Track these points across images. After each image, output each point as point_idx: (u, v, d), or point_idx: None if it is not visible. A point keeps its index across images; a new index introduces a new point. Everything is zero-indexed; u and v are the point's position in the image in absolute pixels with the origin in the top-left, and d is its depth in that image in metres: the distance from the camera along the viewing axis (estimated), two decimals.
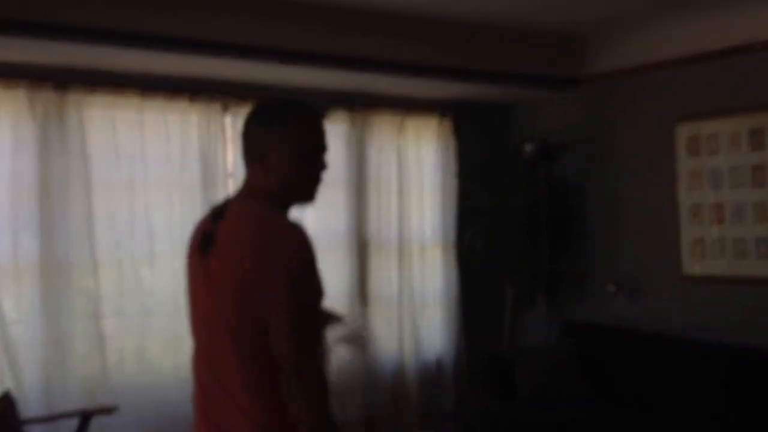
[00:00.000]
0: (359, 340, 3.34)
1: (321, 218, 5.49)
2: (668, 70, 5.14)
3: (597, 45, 5.57)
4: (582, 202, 5.70)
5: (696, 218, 4.99)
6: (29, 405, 4.46)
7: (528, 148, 5.63)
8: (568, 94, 5.78)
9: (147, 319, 4.99)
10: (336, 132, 5.53)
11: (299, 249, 2.10)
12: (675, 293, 5.13)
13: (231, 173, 5.31)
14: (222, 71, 5.07)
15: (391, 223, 5.78)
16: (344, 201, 5.62)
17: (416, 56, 5.16)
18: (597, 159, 5.65)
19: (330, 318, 2.52)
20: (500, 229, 5.77)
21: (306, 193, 2.29)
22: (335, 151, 5.44)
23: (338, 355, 3.03)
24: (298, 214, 2.35)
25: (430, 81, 5.35)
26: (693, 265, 5.01)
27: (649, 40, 5.21)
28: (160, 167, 5.11)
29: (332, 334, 2.58)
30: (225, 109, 5.30)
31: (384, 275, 5.73)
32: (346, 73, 5.05)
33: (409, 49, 5.13)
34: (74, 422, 4.32)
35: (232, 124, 5.33)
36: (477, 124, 6.15)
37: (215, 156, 5.26)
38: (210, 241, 2.16)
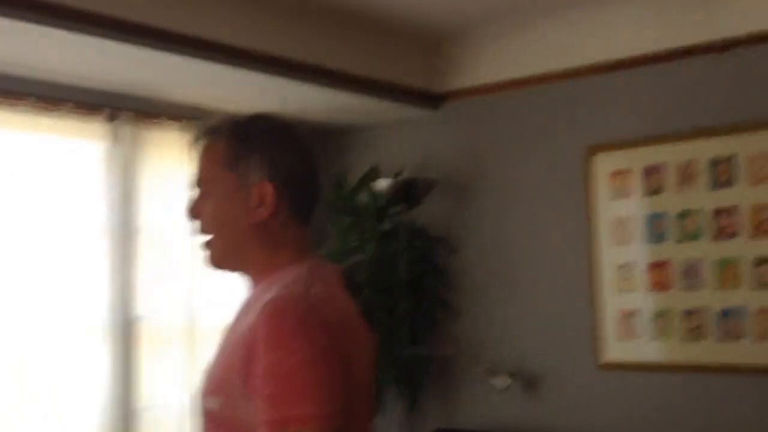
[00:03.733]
0: None
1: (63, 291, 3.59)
2: (578, 80, 3.79)
3: (471, 48, 4.14)
4: (452, 261, 4.17)
5: (625, 283, 3.61)
6: None
7: (382, 185, 4.07)
8: (426, 113, 4.30)
9: None
10: (88, 152, 3.74)
11: None
12: (592, 388, 3.71)
13: None
14: None
15: (176, 294, 3.89)
16: (102, 261, 3.71)
17: (224, 36, 3.42)
18: (472, 203, 4.17)
19: None
20: None
21: None
22: (86, 182, 3.71)
23: None
24: None
25: (234, 71, 3.56)
26: (620, 349, 3.62)
27: (550, 41, 3.86)
28: None
29: None
30: None
31: (163, 375, 3.82)
32: (114, 46, 3.17)
33: (213, 25, 3.39)
34: None
35: None
36: None
37: None
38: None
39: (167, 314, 3.84)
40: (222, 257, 1.69)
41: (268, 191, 1.63)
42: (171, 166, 3.95)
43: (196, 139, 1.69)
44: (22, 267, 3.45)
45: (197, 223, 1.68)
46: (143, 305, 3.77)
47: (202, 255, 1.69)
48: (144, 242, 3.82)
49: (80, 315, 3.60)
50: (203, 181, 1.67)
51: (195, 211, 1.68)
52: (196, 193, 1.68)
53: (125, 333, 3.70)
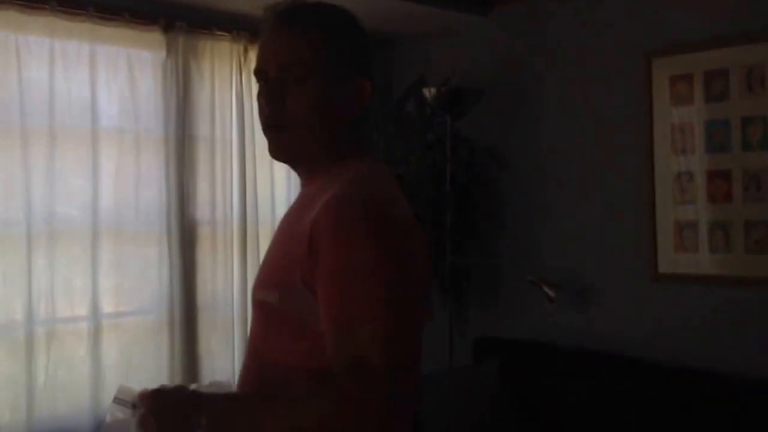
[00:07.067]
0: None
1: (121, 190, 3.65)
2: None
3: None
4: (499, 172, 4.11)
5: (683, 194, 3.51)
6: None
7: (429, 94, 3.99)
8: (475, 20, 4.17)
9: None
10: (145, 63, 3.76)
11: None
12: (645, 300, 3.65)
13: None
14: None
15: (231, 196, 3.96)
16: (159, 165, 3.75)
17: None
18: (521, 113, 4.08)
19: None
20: None
21: None
22: (144, 90, 3.74)
23: None
24: None
25: None
26: (675, 261, 3.54)
27: None
28: None
29: None
30: None
31: (220, 274, 3.91)
32: None
33: None
34: None
35: None
36: None
37: None
38: None
39: (223, 217, 3.92)
40: (295, 148, 1.62)
41: (366, 89, 1.60)
42: (224, 76, 3.97)
43: (273, 23, 1.60)
44: (82, 174, 3.50)
45: (271, 110, 1.59)
46: (201, 210, 3.86)
47: (271, 143, 1.62)
48: (200, 149, 3.87)
49: (143, 219, 3.69)
50: (286, 69, 1.57)
51: (272, 98, 1.58)
52: (273, 80, 1.58)
53: (185, 236, 3.79)
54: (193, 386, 1.52)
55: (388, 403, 1.40)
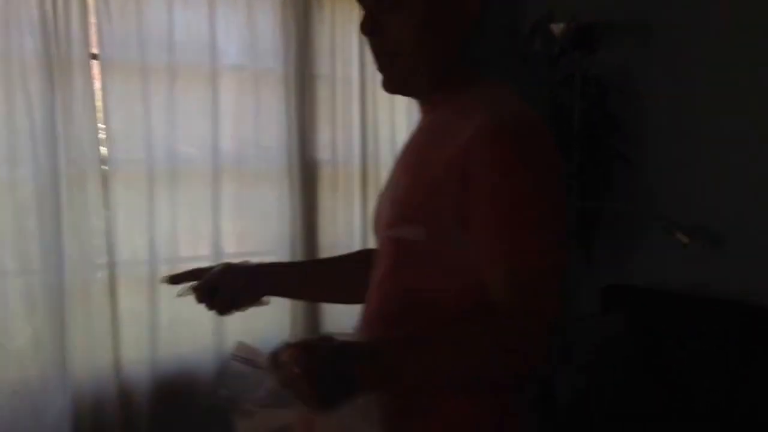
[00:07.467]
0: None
1: (241, 129, 3.60)
2: None
3: None
4: (630, 111, 3.89)
5: None
6: None
7: (557, 29, 3.79)
8: None
9: None
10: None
11: None
12: None
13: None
14: None
15: (352, 136, 3.90)
16: (279, 104, 3.69)
17: None
18: (655, 49, 3.83)
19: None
20: None
21: None
22: (264, 28, 3.66)
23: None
24: None
25: None
26: None
27: None
28: None
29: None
30: None
31: (341, 214, 3.88)
32: None
33: None
34: None
35: None
36: None
37: None
38: None
39: (344, 157, 3.87)
40: (407, 78, 1.51)
41: (473, 4, 1.47)
42: (345, 13, 3.86)
43: None
44: (202, 113, 3.47)
45: (374, 41, 1.49)
46: (322, 149, 3.81)
47: (384, 77, 1.52)
48: (321, 88, 3.80)
49: (264, 159, 3.65)
50: None
51: (368, 26, 1.49)
52: (381, 7, 1.48)
53: (306, 176, 3.75)
54: (339, 335, 1.33)
55: (552, 338, 1.33)
